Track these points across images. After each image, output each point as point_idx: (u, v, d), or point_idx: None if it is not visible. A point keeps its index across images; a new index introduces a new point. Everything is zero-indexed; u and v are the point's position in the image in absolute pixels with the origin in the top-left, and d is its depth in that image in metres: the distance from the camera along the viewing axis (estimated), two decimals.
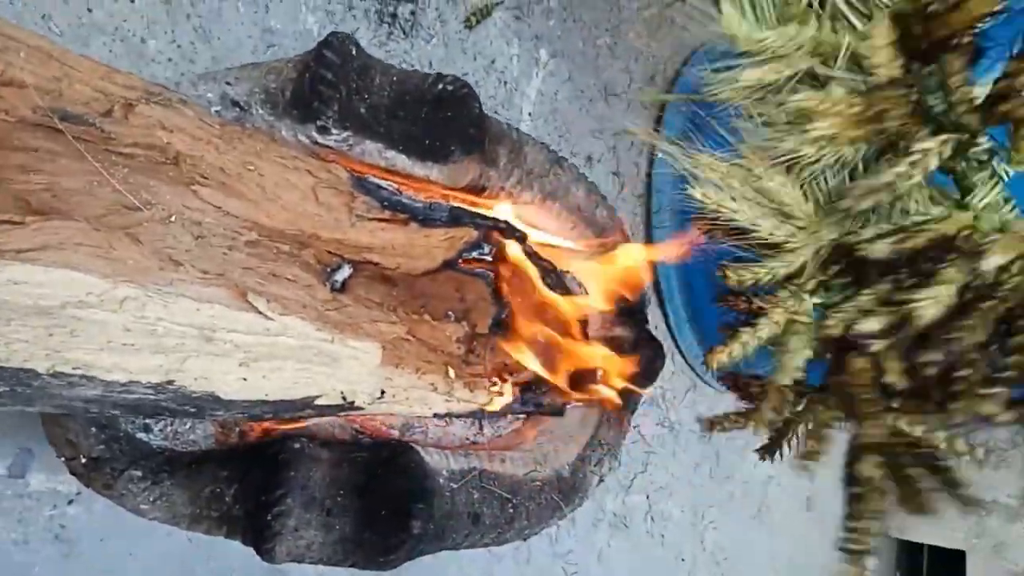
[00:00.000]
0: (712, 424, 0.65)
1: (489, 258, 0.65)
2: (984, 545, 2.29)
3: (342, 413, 0.53)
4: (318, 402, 0.47)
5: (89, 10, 0.74)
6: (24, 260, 0.31)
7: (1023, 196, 0.58)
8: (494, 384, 0.66)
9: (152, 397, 0.38)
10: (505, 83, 1.12)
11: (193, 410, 0.42)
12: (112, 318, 0.34)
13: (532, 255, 0.68)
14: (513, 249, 0.66)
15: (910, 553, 2.49)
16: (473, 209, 0.64)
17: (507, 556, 1.15)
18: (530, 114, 1.16)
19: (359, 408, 0.51)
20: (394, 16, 0.99)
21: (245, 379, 0.40)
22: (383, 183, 0.59)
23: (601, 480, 0.78)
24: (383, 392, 0.53)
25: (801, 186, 0.56)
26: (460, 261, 0.63)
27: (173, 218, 0.39)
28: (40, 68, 0.37)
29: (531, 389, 0.71)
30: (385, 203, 0.57)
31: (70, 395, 0.37)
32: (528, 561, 1.17)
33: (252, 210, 0.45)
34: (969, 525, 2.31)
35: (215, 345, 0.38)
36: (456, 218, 0.61)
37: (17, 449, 0.74)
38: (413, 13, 1.01)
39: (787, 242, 0.57)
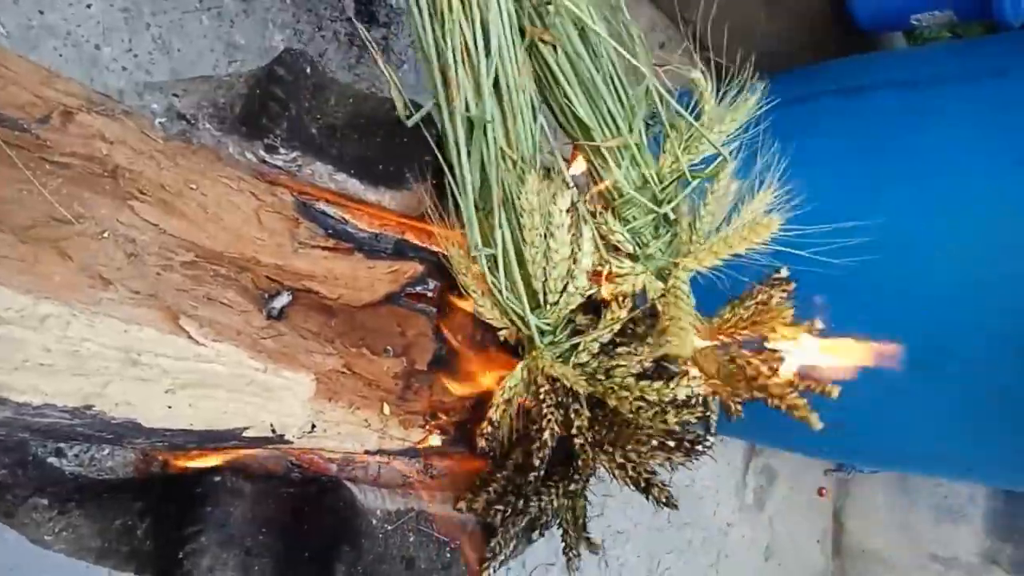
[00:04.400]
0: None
1: (432, 294, 0.66)
2: None
3: (270, 446, 0.53)
4: (246, 434, 0.47)
5: (41, 12, 0.74)
6: None
7: None
8: (429, 422, 0.67)
9: (67, 422, 0.38)
10: None
11: (111, 437, 0.42)
12: (31, 336, 0.34)
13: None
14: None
15: None
16: (419, 243, 0.66)
17: None
18: None
19: (288, 442, 0.51)
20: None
21: (170, 407, 0.40)
22: (330, 211, 0.60)
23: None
24: (314, 426, 0.54)
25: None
26: (403, 295, 0.64)
27: (106, 234, 0.39)
28: None
29: (466, 428, 0.71)
30: (330, 231, 0.58)
31: None
32: None
33: (191, 230, 0.46)
34: None
35: (141, 369, 0.38)
36: (401, 251, 0.62)
37: None
38: (385, 38, 1.03)
39: None
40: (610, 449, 0.66)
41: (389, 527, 0.63)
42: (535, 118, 0.62)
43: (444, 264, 0.66)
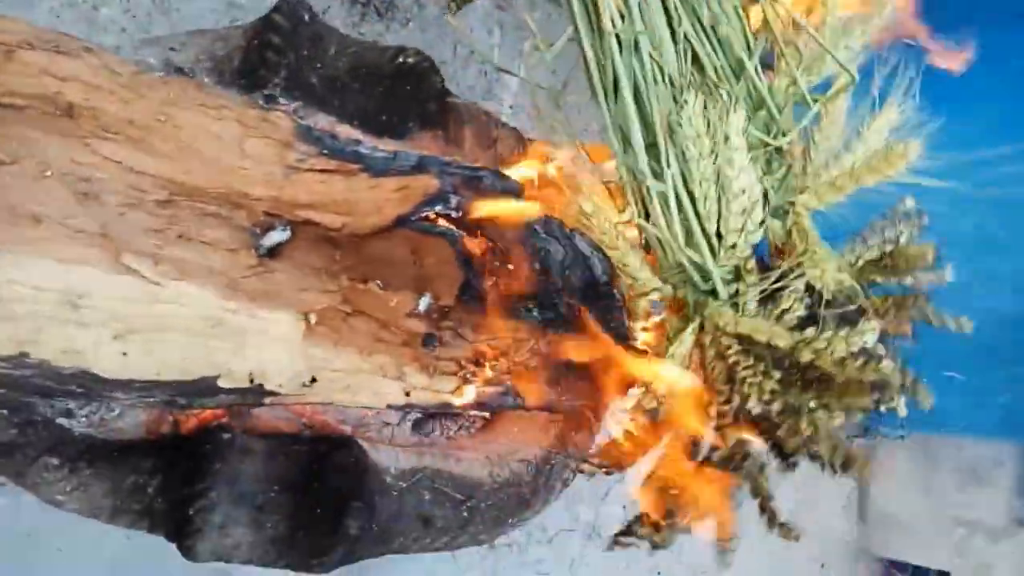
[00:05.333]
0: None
1: (455, 213, 0.55)
2: (968, 565, 2.24)
3: (269, 400, 0.47)
4: (221, 384, 0.41)
5: None
6: None
7: None
8: (466, 368, 0.59)
9: (15, 373, 0.33)
10: (485, 73, 1.07)
11: (80, 391, 0.37)
12: None
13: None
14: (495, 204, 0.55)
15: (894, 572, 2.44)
16: (447, 158, 0.55)
17: (474, 565, 1.10)
18: (511, 106, 1.11)
19: (275, 393, 0.45)
20: None
21: (125, 354, 0.35)
22: (338, 132, 0.52)
23: (565, 486, 0.72)
24: (315, 379, 0.47)
25: None
26: (418, 218, 0.53)
27: (49, 172, 0.33)
28: None
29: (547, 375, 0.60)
30: (325, 151, 0.49)
31: None
32: (495, 573, 1.11)
33: (165, 166, 0.40)
34: (953, 544, 2.26)
35: (83, 313, 0.32)
36: (422, 166, 0.52)
37: None
38: None
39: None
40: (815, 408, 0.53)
41: (403, 485, 0.57)
42: (678, 34, 0.52)
43: (474, 182, 0.54)
